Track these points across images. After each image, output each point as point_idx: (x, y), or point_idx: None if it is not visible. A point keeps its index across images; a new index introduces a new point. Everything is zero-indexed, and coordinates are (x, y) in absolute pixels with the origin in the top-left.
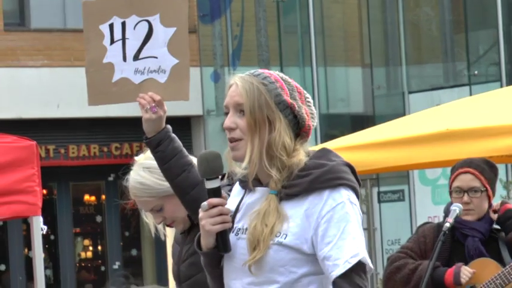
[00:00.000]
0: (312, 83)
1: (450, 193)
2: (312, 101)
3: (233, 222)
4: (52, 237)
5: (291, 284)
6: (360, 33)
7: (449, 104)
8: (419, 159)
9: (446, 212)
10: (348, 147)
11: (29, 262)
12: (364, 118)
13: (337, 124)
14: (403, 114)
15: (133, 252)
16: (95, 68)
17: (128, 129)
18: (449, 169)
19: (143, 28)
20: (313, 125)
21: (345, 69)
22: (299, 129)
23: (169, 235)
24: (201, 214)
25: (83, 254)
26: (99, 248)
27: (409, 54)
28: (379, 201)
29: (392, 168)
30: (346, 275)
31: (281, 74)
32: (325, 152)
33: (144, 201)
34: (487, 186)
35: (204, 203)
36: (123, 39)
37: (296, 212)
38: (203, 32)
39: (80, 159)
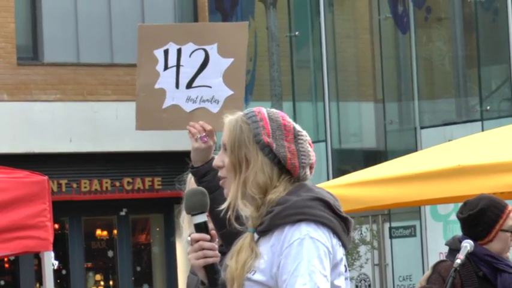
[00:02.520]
0: (325, 118)
1: (494, 232)
2: (307, 139)
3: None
4: (64, 271)
5: None
6: (372, 68)
7: (461, 140)
8: (431, 194)
9: (453, 246)
10: (360, 182)
11: None
12: (377, 153)
13: (350, 159)
14: (415, 150)
15: (145, 287)
16: (145, 93)
17: (140, 164)
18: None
19: (199, 56)
20: (305, 164)
21: (357, 104)
22: (284, 167)
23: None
24: (188, 249)
25: None
26: (111, 282)
27: (421, 89)
28: (391, 237)
29: (404, 204)
30: None
31: (271, 113)
32: (298, 188)
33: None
34: None
35: (188, 238)
36: (178, 66)
37: (265, 248)
38: None
39: (92, 193)
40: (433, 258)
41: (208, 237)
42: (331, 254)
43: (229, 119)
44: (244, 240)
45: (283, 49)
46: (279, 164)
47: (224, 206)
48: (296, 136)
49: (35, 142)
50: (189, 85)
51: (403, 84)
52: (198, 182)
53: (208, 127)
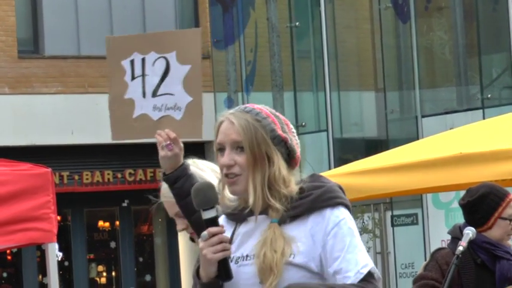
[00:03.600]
0: (326, 107)
1: (492, 220)
2: (295, 131)
3: None
4: (66, 263)
5: None
6: (373, 58)
7: (463, 128)
8: (433, 183)
9: (454, 235)
10: (362, 171)
11: None
12: (378, 142)
13: (351, 148)
14: (417, 138)
15: (147, 277)
16: (117, 103)
17: (142, 155)
18: (463, 193)
19: (161, 65)
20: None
21: (358, 93)
22: (290, 160)
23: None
24: (201, 244)
25: (97, 280)
26: (113, 273)
27: (422, 78)
28: (393, 225)
29: (405, 192)
30: (356, 286)
31: (269, 108)
32: (316, 177)
33: (171, 203)
34: None
35: (204, 233)
36: (143, 75)
37: (300, 232)
38: (217, 58)
39: (94, 185)
40: (435, 246)
41: (224, 230)
42: None
43: (234, 117)
44: (273, 230)
45: (284, 40)
46: (288, 157)
47: (251, 200)
48: (292, 129)
49: (37, 135)
50: (154, 93)
51: (403, 73)
52: (171, 188)
53: (173, 135)
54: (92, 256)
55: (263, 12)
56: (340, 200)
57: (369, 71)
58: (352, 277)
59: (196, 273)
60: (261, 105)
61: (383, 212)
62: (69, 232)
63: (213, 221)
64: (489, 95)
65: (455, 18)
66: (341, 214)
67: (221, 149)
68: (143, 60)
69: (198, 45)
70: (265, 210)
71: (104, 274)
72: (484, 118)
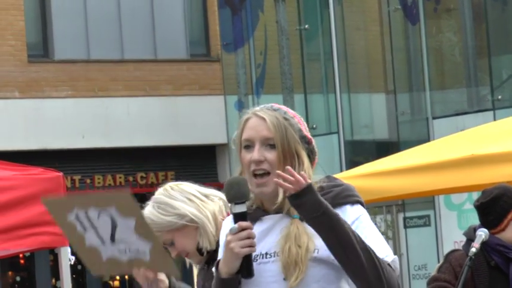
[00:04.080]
0: (336, 109)
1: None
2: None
3: None
4: (79, 267)
5: None
6: (383, 60)
7: (474, 129)
8: (445, 184)
9: (469, 236)
10: (373, 173)
11: None
12: (389, 144)
13: (362, 150)
14: (428, 140)
15: None
16: (82, 251)
17: (154, 159)
18: (475, 194)
19: (106, 218)
20: None
21: (368, 95)
22: (311, 161)
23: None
24: (229, 237)
25: (110, 283)
26: (126, 277)
27: (432, 80)
28: (405, 227)
29: (417, 194)
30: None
31: (291, 110)
32: (332, 178)
33: (158, 234)
34: None
35: (234, 226)
36: (93, 227)
37: None
38: (226, 61)
39: (105, 189)
40: (447, 247)
41: (252, 226)
42: None
43: (265, 114)
44: (296, 226)
45: (293, 42)
46: (309, 158)
47: (280, 199)
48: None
49: (48, 139)
50: (113, 240)
51: (413, 75)
52: None
53: (151, 275)
54: None
55: (272, 14)
56: (358, 199)
57: (379, 73)
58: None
59: (216, 268)
60: (283, 106)
61: (395, 214)
62: None
63: (243, 216)
64: (499, 96)
65: (465, 19)
66: (360, 211)
67: (248, 146)
68: (86, 214)
69: (131, 200)
70: (281, 208)
71: (117, 277)
72: (494, 119)
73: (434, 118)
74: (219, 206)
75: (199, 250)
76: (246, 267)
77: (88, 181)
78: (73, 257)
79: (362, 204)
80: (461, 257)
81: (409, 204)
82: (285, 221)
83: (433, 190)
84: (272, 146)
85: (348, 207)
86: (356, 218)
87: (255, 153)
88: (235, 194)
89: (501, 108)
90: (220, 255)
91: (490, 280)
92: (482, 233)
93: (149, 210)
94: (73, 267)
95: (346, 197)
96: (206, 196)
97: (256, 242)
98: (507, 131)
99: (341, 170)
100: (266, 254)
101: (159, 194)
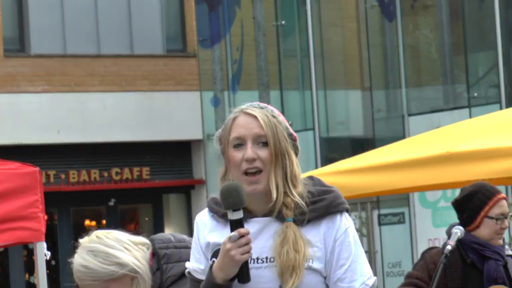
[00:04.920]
0: (312, 106)
1: (479, 219)
2: None
3: None
4: (53, 262)
5: None
6: (359, 57)
7: (449, 127)
8: (420, 181)
9: (448, 233)
10: (348, 170)
11: (29, 287)
12: (364, 141)
13: (337, 147)
14: (403, 137)
15: None
16: None
17: (129, 154)
18: (450, 191)
19: None
20: None
21: (344, 92)
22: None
23: None
24: (229, 245)
25: None
26: None
27: (408, 77)
28: (380, 224)
29: (392, 191)
30: None
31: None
32: (315, 179)
33: (88, 285)
34: None
35: (234, 233)
36: None
37: (314, 236)
38: (203, 57)
39: (80, 184)
40: (422, 245)
41: (249, 231)
42: None
43: (255, 113)
44: (292, 230)
45: (270, 38)
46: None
47: (274, 196)
48: None
49: (23, 134)
50: None
51: (390, 72)
52: None
53: None
54: None
55: (249, 10)
56: (347, 206)
57: (355, 69)
58: (356, 287)
59: (210, 275)
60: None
61: (370, 211)
62: (56, 231)
63: (240, 223)
64: (475, 94)
65: (442, 16)
66: (348, 221)
67: (239, 144)
68: None
69: None
70: (271, 211)
71: None
72: (470, 117)
73: (410, 115)
74: (145, 254)
75: None
76: (245, 272)
77: (63, 176)
78: (49, 252)
79: (348, 211)
80: (436, 255)
81: (384, 201)
82: (275, 225)
83: (408, 187)
84: (264, 144)
85: (338, 217)
86: (344, 231)
87: (249, 151)
88: (234, 201)
89: (477, 106)
90: (194, 259)
91: (463, 277)
92: (458, 231)
93: (86, 258)
94: (47, 263)
95: (338, 205)
96: (135, 244)
97: (251, 248)
98: (482, 128)
99: (316, 167)
100: (258, 258)
101: (92, 242)
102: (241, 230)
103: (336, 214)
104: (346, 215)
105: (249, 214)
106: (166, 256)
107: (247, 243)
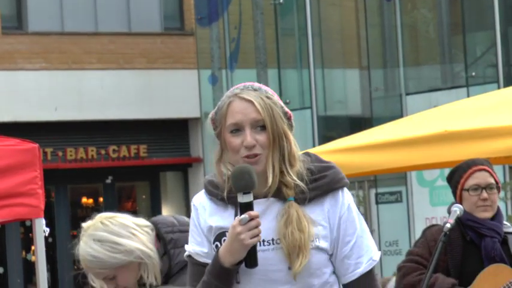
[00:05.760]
0: (310, 85)
1: (458, 193)
2: None
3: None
4: (50, 239)
5: (322, 286)
6: (357, 36)
7: (447, 106)
8: (417, 160)
9: (448, 211)
10: (346, 149)
11: (26, 265)
12: (362, 120)
13: (335, 126)
14: (401, 116)
15: None
16: None
17: (126, 132)
18: (447, 170)
19: None
20: None
21: (342, 71)
22: None
23: None
24: (239, 228)
25: None
26: None
27: (406, 56)
28: (377, 203)
29: (390, 170)
30: (369, 272)
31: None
32: (314, 156)
33: (96, 273)
34: (499, 184)
35: (245, 216)
36: None
37: (318, 215)
38: (200, 35)
39: (77, 161)
40: (419, 224)
41: (259, 214)
42: None
43: (252, 97)
44: (295, 209)
45: (268, 17)
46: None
47: (270, 179)
48: None
49: (21, 111)
50: None
51: (388, 51)
52: None
53: None
54: (75, 233)
55: None
56: (346, 181)
57: (353, 48)
58: (364, 263)
59: (216, 260)
60: (261, 84)
61: (367, 189)
62: (53, 209)
63: (250, 206)
64: (473, 73)
65: None
66: (349, 197)
67: (237, 130)
68: None
69: None
70: (269, 193)
71: None
72: (468, 96)
73: (407, 94)
74: (150, 237)
75: (141, 285)
76: (253, 256)
77: (60, 154)
78: (47, 229)
79: (347, 185)
80: (437, 232)
81: (381, 180)
82: (278, 205)
83: (405, 166)
84: (262, 128)
85: (340, 193)
86: (347, 207)
87: (248, 138)
88: (246, 184)
89: (475, 85)
90: (195, 242)
91: (463, 254)
92: (457, 209)
93: (93, 248)
94: (44, 240)
95: (339, 180)
96: (140, 228)
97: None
98: (480, 107)
99: (314, 145)
100: (264, 241)
101: (98, 229)
102: (252, 213)
103: (338, 190)
104: (346, 190)
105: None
106: (172, 241)
107: (257, 227)
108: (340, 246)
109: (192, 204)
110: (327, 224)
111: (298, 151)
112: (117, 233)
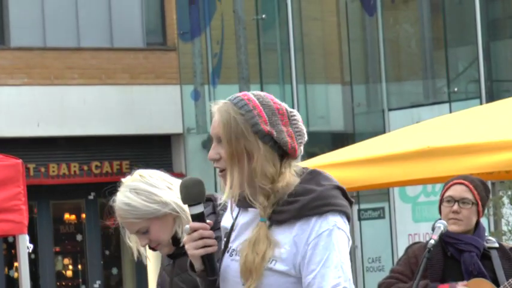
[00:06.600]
0: (292, 100)
1: (439, 205)
2: (299, 117)
3: (228, 240)
4: (33, 256)
5: None
6: (339, 51)
7: (430, 121)
8: (400, 176)
9: (433, 229)
10: (328, 164)
11: (9, 281)
12: (344, 136)
13: (317, 142)
14: (383, 132)
15: (114, 270)
16: None
17: (108, 148)
18: (429, 186)
19: None
20: (301, 143)
21: (324, 86)
22: (284, 152)
23: (151, 258)
24: (184, 238)
25: (63, 273)
26: (80, 266)
27: (388, 71)
28: (360, 219)
29: (372, 186)
30: None
31: (261, 98)
32: (314, 175)
33: (130, 223)
34: (479, 201)
35: (186, 226)
36: None
37: (285, 237)
38: (183, 50)
39: (60, 177)
40: (401, 240)
41: (208, 226)
42: (350, 242)
43: (218, 110)
44: (259, 231)
45: (250, 32)
46: (279, 150)
47: (224, 197)
48: (290, 117)
49: (3, 126)
50: None
51: (370, 66)
52: None
53: None
54: (58, 249)
55: (229, 4)
56: (330, 208)
57: (335, 64)
58: None
59: (190, 265)
60: (253, 95)
61: None
62: (36, 225)
63: (199, 217)
64: (456, 89)
65: (422, 11)
66: (326, 225)
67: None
68: None
69: None
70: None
71: (70, 267)
72: (450, 112)
73: (390, 110)
74: None
75: (175, 240)
76: (208, 266)
77: (42, 169)
78: (31, 245)
79: (340, 212)
80: (418, 249)
81: (364, 196)
82: (258, 220)
83: (387, 182)
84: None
85: (313, 220)
86: (318, 235)
87: (210, 151)
88: (185, 197)
89: (457, 101)
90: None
91: (444, 269)
92: (441, 225)
93: (129, 196)
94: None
95: (313, 208)
96: (173, 185)
97: (211, 242)
98: (463, 123)
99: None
100: (234, 250)
101: (136, 180)
102: (194, 225)
103: (310, 217)
104: (328, 218)
105: (247, 203)
106: (222, 205)
107: (201, 238)
108: (305, 273)
109: None
110: (290, 248)
111: (272, 171)
112: (154, 184)
